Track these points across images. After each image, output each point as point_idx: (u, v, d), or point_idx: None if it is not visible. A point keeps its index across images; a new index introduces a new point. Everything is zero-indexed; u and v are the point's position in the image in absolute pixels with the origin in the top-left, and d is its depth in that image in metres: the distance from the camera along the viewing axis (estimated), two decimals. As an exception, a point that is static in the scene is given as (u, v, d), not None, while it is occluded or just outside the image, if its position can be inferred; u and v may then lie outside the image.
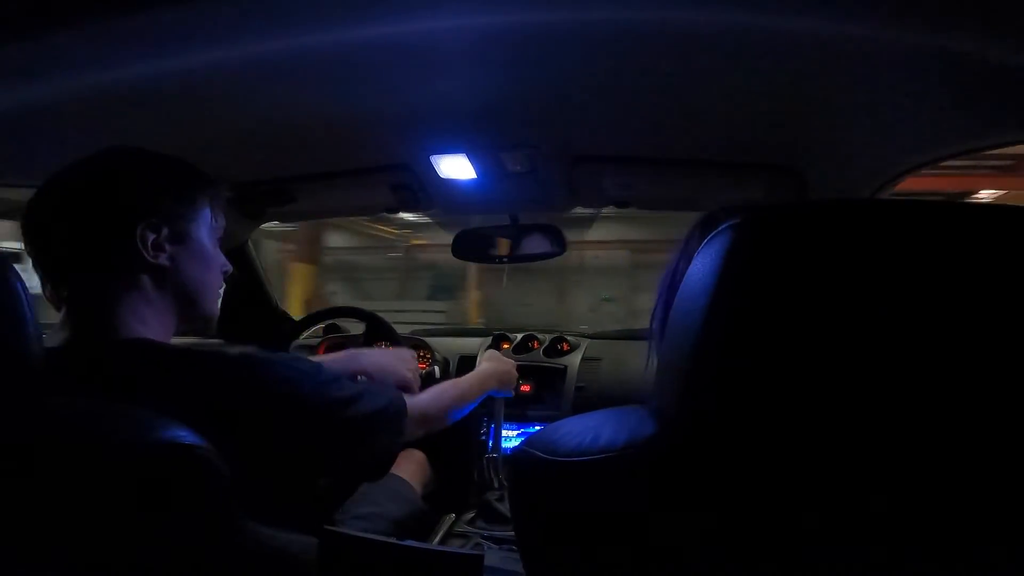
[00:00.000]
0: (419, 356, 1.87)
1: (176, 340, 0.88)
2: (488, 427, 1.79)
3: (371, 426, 0.89)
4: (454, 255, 1.76)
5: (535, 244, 1.74)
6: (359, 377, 1.19)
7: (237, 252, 1.78)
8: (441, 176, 1.43)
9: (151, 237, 0.82)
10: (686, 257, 0.82)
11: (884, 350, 0.42)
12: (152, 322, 0.84)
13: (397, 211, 1.68)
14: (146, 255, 0.82)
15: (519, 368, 1.62)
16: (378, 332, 1.76)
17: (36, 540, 0.63)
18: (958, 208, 0.44)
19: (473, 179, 1.44)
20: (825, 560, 0.47)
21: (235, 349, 0.81)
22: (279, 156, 1.33)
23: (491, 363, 1.42)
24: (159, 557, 0.64)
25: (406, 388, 1.16)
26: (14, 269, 0.65)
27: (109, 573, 0.64)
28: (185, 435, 0.63)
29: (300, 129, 1.17)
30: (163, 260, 0.84)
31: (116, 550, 0.63)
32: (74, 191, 0.82)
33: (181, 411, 0.66)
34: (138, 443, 0.62)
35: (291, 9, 0.65)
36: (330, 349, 1.83)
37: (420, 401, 1.03)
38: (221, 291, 0.96)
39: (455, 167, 1.39)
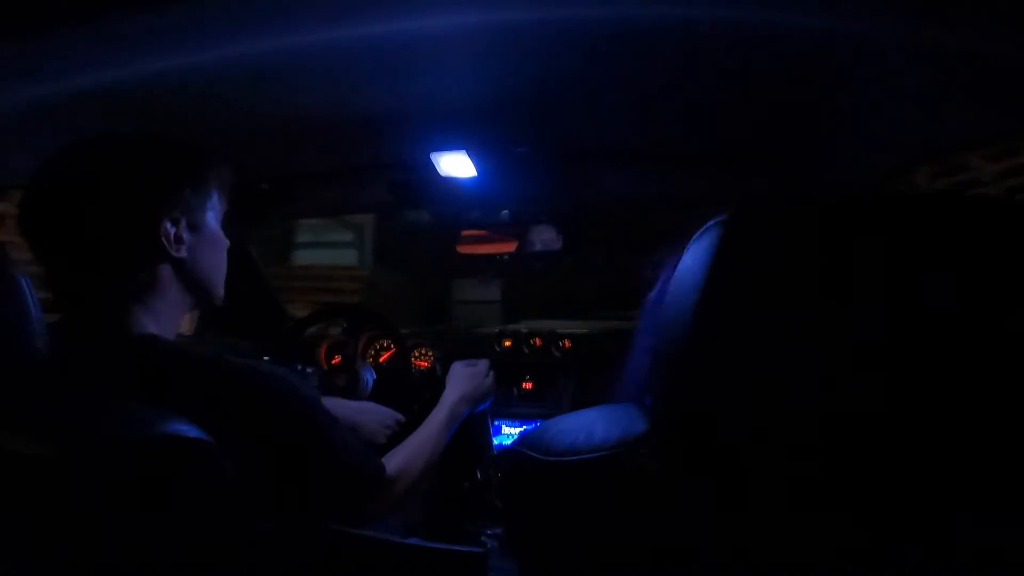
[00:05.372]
0: (420, 354, 1.87)
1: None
2: (492, 424, 1.79)
3: (348, 480, 0.84)
4: (456, 252, 1.76)
5: (536, 241, 1.74)
6: None
7: (237, 252, 1.78)
8: (441, 174, 1.42)
9: (172, 231, 0.80)
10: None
11: (872, 343, 0.42)
12: (163, 315, 0.82)
13: (396, 209, 1.67)
14: (169, 250, 0.80)
15: (521, 366, 1.61)
16: (369, 327, 1.76)
17: (40, 538, 0.63)
18: (944, 200, 0.44)
19: (473, 177, 1.43)
20: (819, 554, 0.47)
21: (244, 359, 0.80)
22: (277, 156, 1.33)
23: (460, 385, 1.33)
24: (162, 552, 0.64)
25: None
26: (15, 265, 0.65)
27: (113, 570, 0.64)
28: (187, 429, 0.63)
29: (298, 127, 1.16)
30: (182, 252, 0.81)
31: (119, 546, 0.62)
32: (89, 184, 0.77)
33: (186, 411, 0.65)
34: (140, 438, 0.62)
35: (288, 7, 0.65)
36: (331, 349, 1.83)
37: (394, 468, 0.94)
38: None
39: (455, 165, 1.39)
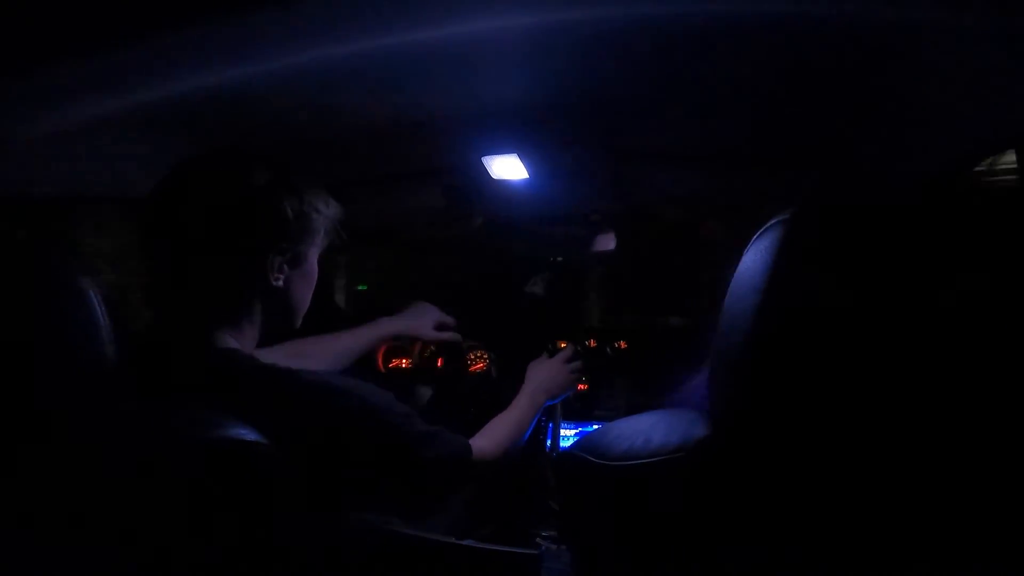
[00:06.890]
0: (476, 357, 1.88)
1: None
2: (547, 427, 1.78)
3: (439, 469, 0.88)
4: (512, 254, 1.77)
5: (588, 242, 1.73)
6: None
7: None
8: (493, 176, 1.43)
9: (277, 261, 0.83)
10: None
11: (943, 347, 0.40)
12: (246, 333, 0.85)
13: (449, 214, 1.69)
14: (270, 279, 0.83)
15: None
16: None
17: (109, 535, 0.66)
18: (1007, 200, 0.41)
19: (525, 179, 1.43)
20: (876, 557, 0.45)
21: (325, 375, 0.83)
22: (330, 163, 1.36)
23: (538, 376, 1.37)
24: (222, 549, 0.66)
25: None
26: (85, 278, 0.68)
27: (176, 564, 0.66)
28: (247, 433, 0.65)
29: (351, 134, 1.19)
30: (279, 283, 0.84)
31: (182, 542, 0.65)
32: (217, 205, 0.80)
33: (263, 423, 0.68)
34: (203, 440, 0.64)
35: (341, 15, 0.66)
36: (389, 353, 1.86)
37: (480, 446, 0.99)
38: None
39: (507, 167, 1.39)
